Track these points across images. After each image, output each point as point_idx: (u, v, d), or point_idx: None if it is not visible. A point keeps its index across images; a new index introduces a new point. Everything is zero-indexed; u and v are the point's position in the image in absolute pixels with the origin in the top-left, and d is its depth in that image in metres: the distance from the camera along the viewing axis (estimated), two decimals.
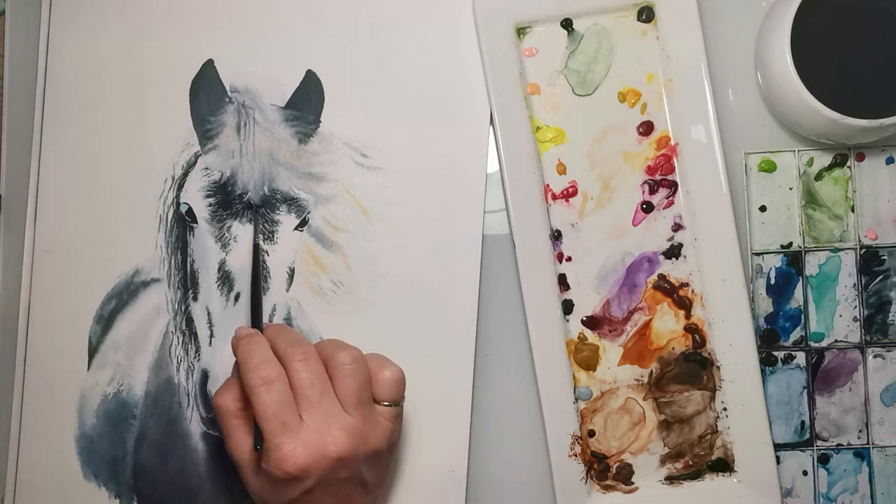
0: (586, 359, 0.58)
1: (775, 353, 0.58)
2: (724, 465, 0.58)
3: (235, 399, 0.51)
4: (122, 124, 0.60)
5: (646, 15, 0.58)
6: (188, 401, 0.59)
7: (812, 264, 0.58)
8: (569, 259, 0.58)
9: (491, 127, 0.58)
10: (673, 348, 0.58)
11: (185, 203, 0.59)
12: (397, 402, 0.52)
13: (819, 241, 0.58)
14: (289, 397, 0.49)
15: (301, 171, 0.59)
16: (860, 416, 0.58)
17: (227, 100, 0.60)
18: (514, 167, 0.57)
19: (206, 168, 0.59)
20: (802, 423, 0.58)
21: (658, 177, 0.58)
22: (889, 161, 0.58)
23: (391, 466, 0.55)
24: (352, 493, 0.50)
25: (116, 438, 0.59)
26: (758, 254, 0.58)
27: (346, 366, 0.50)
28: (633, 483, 0.58)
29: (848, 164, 0.58)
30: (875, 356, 0.58)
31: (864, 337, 0.58)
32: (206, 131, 0.60)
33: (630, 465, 0.58)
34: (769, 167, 0.58)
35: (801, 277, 0.58)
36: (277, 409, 0.48)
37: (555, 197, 0.58)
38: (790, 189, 0.58)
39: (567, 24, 0.58)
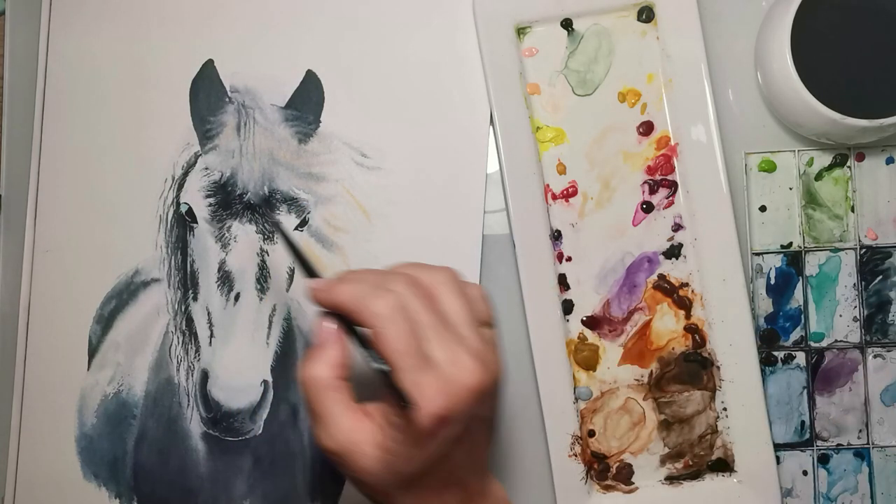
0: (586, 359, 0.58)
1: (775, 353, 0.58)
2: (724, 465, 0.58)
3: (333, 366, 0.43)
4: (122, 124, 0.60)
5: (646, 15, 0.58)
6: (188, 401, 0.59)
7: (812, 264, 0.58)
8: (569, 259, 0.58)
9: (491, 127, 0.58)
10: (673, 348, 0.58)
11: (185, 203, 0.59)
12: (492, 323, 0.45)
13: (819, 241, 0.58)
14: (415, 329, 0.41)
15: (301, 171, 0.59)
16: (860, 416, 0.58)
17: (227, 100, 0.60)
18: (514, 167, 0.57)
19: (206, 168, 0.59)
20: (802, 423, 0.58)
21: (658, 177, 0.58)
22: (889, 161, 0.58)
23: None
24: (485, 437, 0.44)
25: (116, 438, 0.59)
26: (758, 254, 0.58)
27: (445, 284, 0.43)
28: (633, 483, 0.58)
29: (848, 164, 0.58)
30: (875, 356, 0.58)
31: (864, 337, 0.58)
32: (206, 131, 0.60)
33: (630, 465, 0.58)
34: (769, 167, 0.58)
35: (801, 277, 0.58)
36: (411, 340, 0.40)
37: (555, 197, 0.58)
38: (790, 189, 0.58)
39: (567, 24, 0.58)
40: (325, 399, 0.43)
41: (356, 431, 0.42)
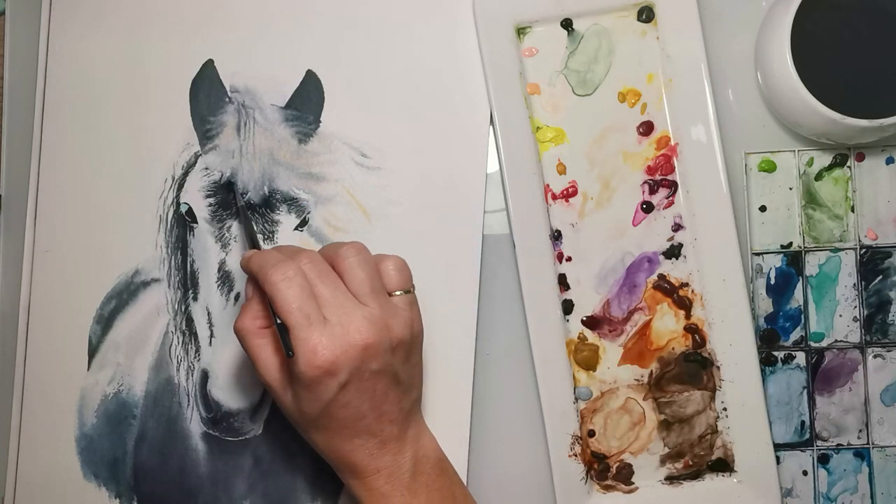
0: (586, 359, 0.58)
1: (775, 353, 0.58)
2: (724, 465, 0.58)
3: (255, 318, 0.51)
4: (122, 124, 0.60)
5: (646, 15, 0.58)
6: (188, 401, 0.59)
7: (812, 264, 0.58)
8: (569, 259, 0.58)
9: (491, 127, 0.58)
10: (673, 348, 0.58)
11: (185, 203, 0.59)
12: (407, 290, 0.52)
13: (819, 241, 0.58)
14: (310, 293, 0.49)
15: (301, 171, 0.59)
16: (860, 416, 0.58)
17: (227, 100, 0.60)
18: (514, 167, 0.57)
19: (206, 168, 0.59)
20: (802, 423, 0.58)
21: (658, 177, 0.58)
22: (889, 161, 0.58)
23: (421, 366, 0.54)
24: (387, 389, 0.50)
25: (116, 438, 0.59)
26: (758, 254, 0.58)
27: (350, 258, 0.50)
28: (633, 483, 0.58)
29: (848, 164, 0.58)
30: (875, 356, 0.58)
31: (864, 337, 0.58)
32: (206, 131, 0.60)
33: (630, 465, 0.58)
34: (769, 167, 0.58)
35: (801, 277, 0.58)
36: (301, 302, 0.48)
37: (555, 197, 0.58)
38: (790, 189, 0.58)
39: (567, 24, 0.58)
40: (252, 344, 0.51)
41: (275, 370, 0.50)
